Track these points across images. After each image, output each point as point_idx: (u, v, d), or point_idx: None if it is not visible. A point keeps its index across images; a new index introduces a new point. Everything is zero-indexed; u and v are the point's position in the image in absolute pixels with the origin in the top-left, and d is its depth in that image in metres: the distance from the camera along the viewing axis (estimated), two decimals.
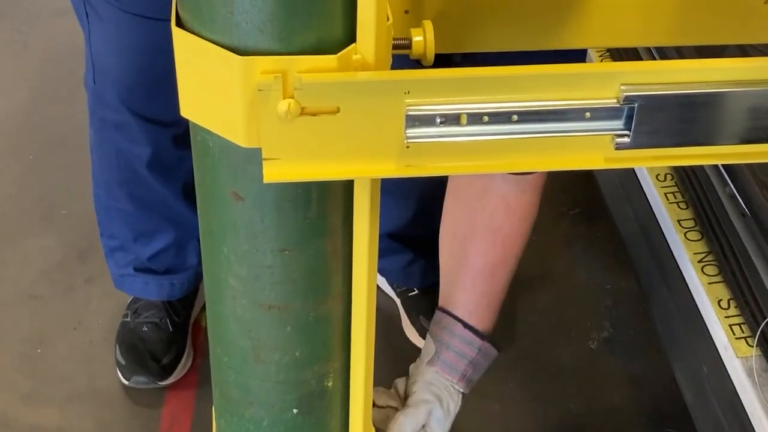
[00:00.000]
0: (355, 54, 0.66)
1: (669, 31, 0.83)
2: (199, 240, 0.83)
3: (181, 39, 0.67)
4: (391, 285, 2.03)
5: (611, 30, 0.84)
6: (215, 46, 0.65)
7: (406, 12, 0.82)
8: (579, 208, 2.28)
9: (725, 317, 1.37)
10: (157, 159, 1.66)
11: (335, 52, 0.66)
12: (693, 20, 0.84)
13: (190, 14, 0.67)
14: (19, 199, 2.29)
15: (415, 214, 1.84)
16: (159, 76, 1.41)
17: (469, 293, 1.20)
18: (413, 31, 0.74)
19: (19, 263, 2.13)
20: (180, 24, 0.68)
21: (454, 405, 1.17)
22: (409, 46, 0.74)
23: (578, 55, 1.00)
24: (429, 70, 0.70)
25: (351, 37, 0.67)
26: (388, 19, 0.67)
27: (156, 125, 1.59)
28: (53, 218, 2.23)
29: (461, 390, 1.18)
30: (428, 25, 0.73)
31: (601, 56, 1.70)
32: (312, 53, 0.66)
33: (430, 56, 0.73)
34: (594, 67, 0.68)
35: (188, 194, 1.72)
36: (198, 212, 0.81)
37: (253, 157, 0.70)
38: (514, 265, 1.25)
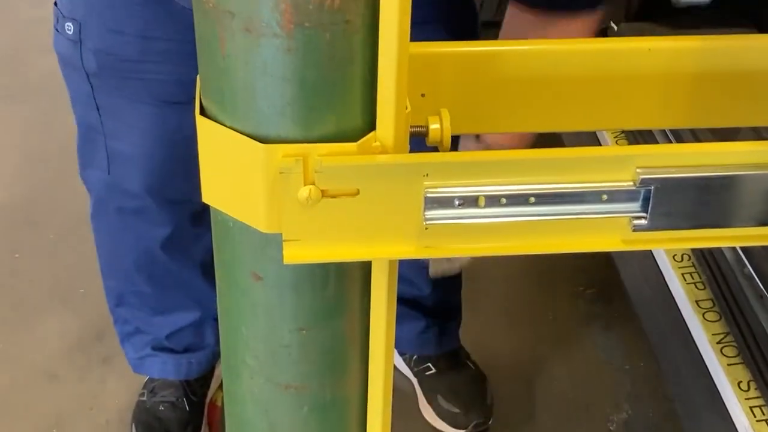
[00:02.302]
0: (375, 141, 0.67)
1: (684, 114, 0.84)
2: (216, 319, 0.84)
3: (204, 127, 0.69)
4: (408, 360, 2.02)
5: (626, 112, 0.85)
6: (238, 134, 0.67)
7: (423, 95, 0.83)
8: (596, 288, 2.28)
9: (745, 399, 1.35)
10: (176, 238, 1.66)
11: (355, 139, 0.68)
12: (707, 102, 0.85)
13: (213, 102, 0.69)
14: (38, 278, 2.30)
15: (427, 279, 1.84)
16: (182, 158, 1.41)
17: None
18: (430, 119, 0.75)
19: (37, 342, 2.13)
20: (203, 112, 0.70)
21: None
22: (426, 134, 0.75)
23: None
24: (447, 153, 0.71)
25: (370, 125, 0.68)
26: (406, 108, 0.68)
27: (176, 205, 1.60)
28: (71, 297, 2.24)
29: None
30: (445, 113, 0.75)
31: (616, 137, 1.72)
32: (332, 140, 0.67)
33: (447, 143, 0.74)
34: (610, 150, 0.69)
35: (206, 272, 1.72)
36: (217, 291, 0.81)
37: (273, 238, 0.71)
38: None
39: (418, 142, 0.75)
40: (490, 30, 2.78)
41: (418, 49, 0.81)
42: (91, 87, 1.36)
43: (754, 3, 1.62)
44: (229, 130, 0.68)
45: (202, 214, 1.55)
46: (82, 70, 1.35)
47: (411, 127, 0.75)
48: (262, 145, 0.66)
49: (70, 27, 1.31)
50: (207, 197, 0.72)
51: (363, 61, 0.67)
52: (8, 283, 2.29)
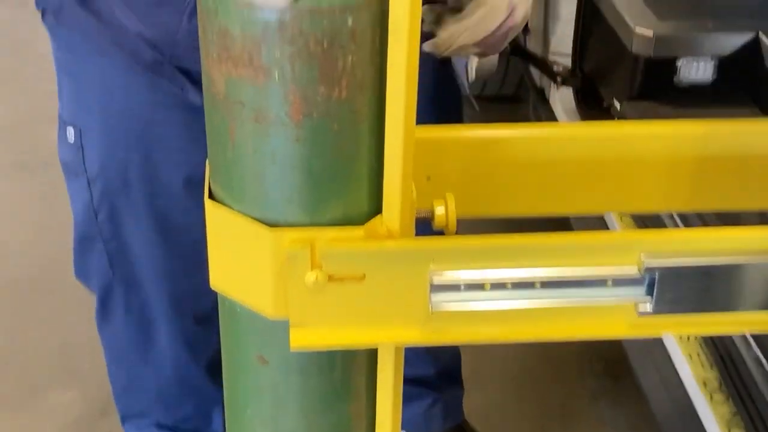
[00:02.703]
0: (381, 226, 0.68)
1: (687, 198, 0.85)
2: (223, 405, 0.84)
3: (213, 212, 0.70)
4: None
5: (629, 196, 0.85)
6: (246, 218, 0.68)
7: (428, 178, 0.84)
8: (604, 363, 2.27)
9: None
10: (185, 340, 1.63)
11: (361, 223, 0.68)
12: (711, 186, 0.85)
13: (221, 188, 0.70)
14: (44, 351, 2.30)
15: (427, 352, 1.82)
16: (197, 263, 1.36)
17: None
18: (435, 202, 0.76)
19: (42, 417, 2.12)
20: (212, 196, 0.70)
21: None
22: (431, 218, 0.76)
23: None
24: (452, 237, 0.71)
25: (377, 209, 0.69)
26: (412, 192, 0.69)
27: (187, 309, 1.56)
28: (76, 371, 2.23)
29: None
30: (450, 197, 0.76)
31: (622, 217, 1.73)
32: (339, 224, 0.68)
33: (452, 228, 0.75)
34: (615, 236, 0.70)
35: (213, 372, 1.69)
36: (223, 374, 0.81)
37: (279, 323, 0.71)
38: None
39: (425, 223, 0.76)
40: (513, 103, 2.82)
41: (423, 133, 0.82)
42: (91, 195, 1.33)
43: (756, 82, 1.64)
44: (238, 214, 0.69)
45: (210, 316, 1.51)
46: (84, 176, 1.33)
47: (417, 211, 0.75)
48: (270, 230, 0.67)
49: (71, 132, 1.29)
50: (215, 283, 0.72)
51: (369, 149, 0.68)
52: (14, 356, 2.28)
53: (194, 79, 1.13)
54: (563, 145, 0.83)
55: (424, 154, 0.82)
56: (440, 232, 0.78)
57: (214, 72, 0.65)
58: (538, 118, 2.11)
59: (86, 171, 1.29)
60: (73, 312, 2.40)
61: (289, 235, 0.67)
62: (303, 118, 0.65)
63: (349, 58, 0.63)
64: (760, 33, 1.62)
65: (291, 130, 0.65)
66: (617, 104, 1.73)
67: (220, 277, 0.72)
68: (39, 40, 3.56)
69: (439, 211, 0.76)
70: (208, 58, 0.65)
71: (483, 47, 0.82)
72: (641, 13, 1.69)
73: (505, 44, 0.83)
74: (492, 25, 0.77)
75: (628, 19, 1.68)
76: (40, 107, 3.19)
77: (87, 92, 1.23)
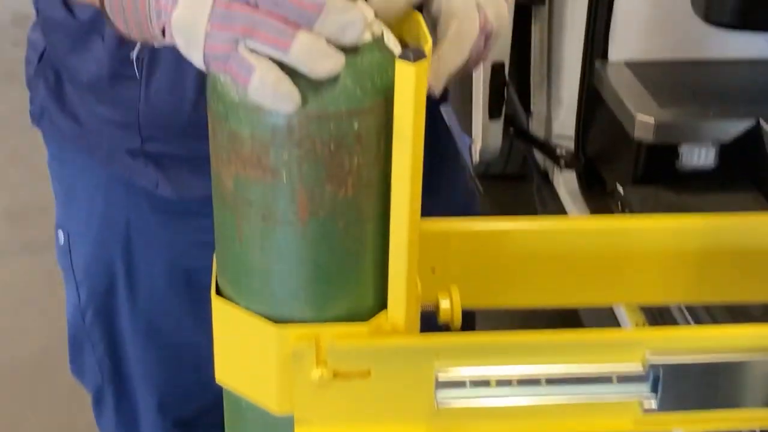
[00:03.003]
0: (386, 322, 0.68)
1: (692, 291, 0.86)
2: None
3: (219, 308, 0.70)
4: None
5: (633, 289, 0.86)
6: (252, 315, 0.68)
7: (433, 270, 0.85)
8: None
9: None
10: None
11: (367, 318, 0.69)
12: (714, 279, 0.86)
13: (228, 283, 0.71)
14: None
15: None
16: (183, 367, 1.35)
17: None
18: (440, 294, 0.77)
19: None
20: (219, 292, 0.71)
21: None
22: (437, 312, 0.76)
23: None
24: (457, 334, 0.72)
25: (382, 304, 0.69)
26: (417, 287, 0.70)
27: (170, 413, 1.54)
28: None
29: None
30: (454, 290, 0.76)
31: (630, 309, 1.72)
32: (344, 319, 0.69)
33: (458, 322, 0.75)
34: (619, 334, 0.71)
35: None
36: None
37: (285, 419, 0.71)
38: None
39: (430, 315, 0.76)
40: (517, 182, 2.83)
41: (428, 225, 0.83)
42: (79, 298, 1.33)
43: (758, 168, 1.66)
44: (244, 310, 0.69)
45: (191, 422, 1.48)
46: (73, 279, 1.33)
47: (422, 305, 0.76)
48: (275, 326, 0.68)
49: (61, 235, 1.31)
50: (220, 377, 0.73)
51: (374, 246, 0.68)
52: None
53: (165, 167, 1.14)
54: (568, 238, 0.84)
55: (429, 246, 0.82)
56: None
57: (223, 172, 0.66)
58: (542, 200, 2.13)
59: (74, 274, 1.29)
60: (74, 397, 2.39)
61: (295, 332, 0.68)
62: (309, 217, 0.66)
63: (355, 159, 0.64)
64: (761, 120, 1.64)
65: (298, 228, 0.66)
66: (620, 189, 1.75)
67: (226, 372, 0.72)
68: None
69: (444, 305, 0.77)
70: (217, 159, 0.67)
71: (468, 63, 0.80)
72: (642, 99, 1.72)
73: (489, 53, 0.79)
74: (471, 36, 0.75)
75: (629, 105, 1.70)
76: (48, 191, 3.22)
77: (72, 196, 1.25)
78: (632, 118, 1.67)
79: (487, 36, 0.74)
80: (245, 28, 0.62)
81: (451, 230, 0.85)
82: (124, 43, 0.80)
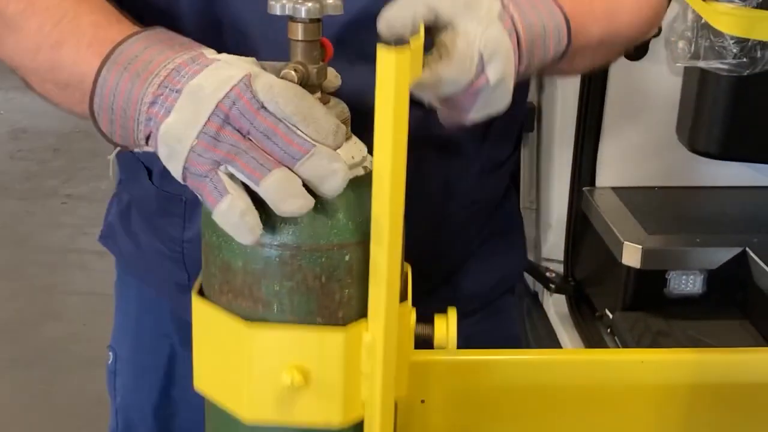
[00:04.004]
0: None
1: (680, 425, 0.85)
2: None
3: (199, 308, 0.68)
4: None
5: (621, 422, 0.85)
6: (228, 315, 0.66)
7: (423, 401, 0.85)
8: None
9: None
10: None
11: None
12: (703, 414, 0.86)
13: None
14: None
15: None
16: None
17: None
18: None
19: None
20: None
21: None
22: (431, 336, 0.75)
23: None
24: None
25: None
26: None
27: None
28: None
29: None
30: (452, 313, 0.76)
31: None
32: None
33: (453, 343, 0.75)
34: None
35: None
36: None
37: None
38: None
39: None
40: None
41: (417, 357, 0.83)
42: (117, 424, 1.31)
43: (745, 295, 1.67)
44: (221, 310, 0.67)
45: None
46: (114, 402, 1.30)
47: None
48: (248, 326, 0.65)
49: (111, 355, 1.29)
50: (197, 384, 0.71)
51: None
52: None
53: None
54: (555, 370, 0.84)
55: (418, 377, 0.83)
56: None
57: (215, 302, 0.67)
58: (532, 323, 2.13)
59: (116, 398, 1.28)
60: None
61: (266, 334, 0.65)
62: None
63: (346, 291, 0.65)
64: (747, 248, 1.66)
65: None
66: (609, 314, 1.76)
67: (203, 378, 0.71)
68: (41, 233, 3.65)
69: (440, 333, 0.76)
70: (209, 289, 0.68)
71: (447, 106, 0.78)
72: (630, 225, 1.74)
73: (479, 112, 0.74)
74: (457, 83, 0.71)
75: (617, 231, 1.73)
76: (39, 303, 3.22)
77: (126, 319, 1.23)
78: (620, 245, 1.69)
79: (477, 92, 0.72)
80: (229, 153, 0.64)
81: (439, 361, 0.85)
82: (168, 180, 0.81)
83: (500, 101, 0.75)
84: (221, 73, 0.66)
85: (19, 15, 0.85)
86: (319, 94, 0.68)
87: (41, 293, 3.28)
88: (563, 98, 1.98)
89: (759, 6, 1.59)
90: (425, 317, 0.74)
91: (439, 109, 0.77)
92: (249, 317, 0.66)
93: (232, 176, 0.64)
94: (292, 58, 0.67)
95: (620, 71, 1.85)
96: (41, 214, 3.83)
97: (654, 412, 0.85)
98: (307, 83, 0.67)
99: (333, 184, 0.63)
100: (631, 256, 1.67)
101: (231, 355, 0.67)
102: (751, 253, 1.65)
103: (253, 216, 0.63)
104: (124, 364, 1.23)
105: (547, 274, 2.03)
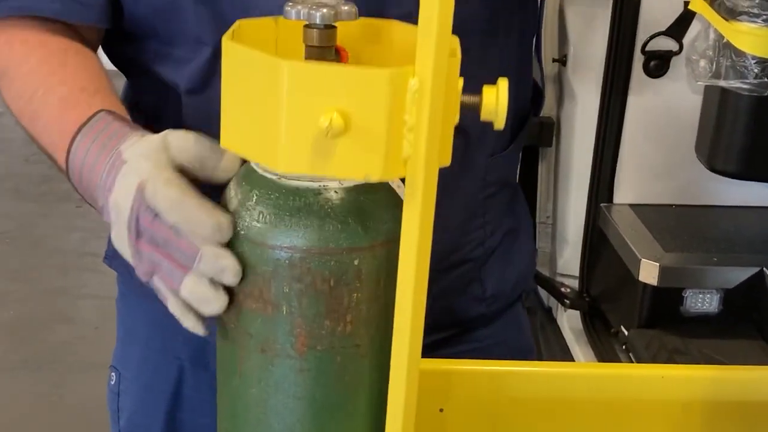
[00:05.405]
0: None
1: None
2: None
3: (230, 52, 0.64)
4: None
5: None
6: (260, 52, 0.61)
7: (441, 410, 0.84)
8: None
9: None
10: None
11: None
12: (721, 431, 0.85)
13: (226, 418, 0.70)
14: None
15: None
16: None
17: None
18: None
19: None
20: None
21: None
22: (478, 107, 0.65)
23: None
24: None
25: None
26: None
27: None
28: None
29: None
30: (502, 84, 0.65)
31: None
32: None
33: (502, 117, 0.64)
34: None
35: None
36: None
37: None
38: None
39: None
40: None
41: (435, 365, 0.83)
42: None
43: (761, 315, 1.66)
44: (254, 51, 0.62)
45: None
46: (117, 424, 1.29)
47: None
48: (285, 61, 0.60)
49: (113, 376, 1.28)
50: (225, 142, 0.66)
51: (371, 382, 0.68)
52: None
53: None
54: (579, 384, 0.83)
55: (436, 386, 0.82)
56: None
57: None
58: (546, 339, 2.12)
59: (118, 420, 1.26)
60: None
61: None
62: (307, 350, 0.65)
63: (355, 296, 0.64)
64: (765, 268, 1.65)
65: (295, 361, 0.66)
66: (624, 331, 1.74)
67: (231, 136, 0.65)
68: (54, 236, 3.66)
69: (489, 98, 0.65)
70: None
71: None
72: (647, 243, 1.73)
73: None
74: None
75: (634, 248, 1.71)
76: (50, 306, 3.22)
77: (131, 338, 1.22)
78: (637, 262, 1.67)
79: None
80: (150, 266, 0.69)
81: (458, 371, 0.85)
82: None
83: None
84: (126, 182, 0.70)
85: (6, 72, 0.93)
86: None
87: (53, 296, 3.29)
88: (582, 113, 1.97)
89: None
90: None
91: None
92: (258, 319, 0.65)
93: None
94: None
95: (640, 88, 1.84)
96: (55, 217, 3.84)
97: (672, 428, 0.84)
98: None
99: (229, 278, 0.65)
100: (649, 273, 1.65)
101: (265, 99, 0.61)
102: None
103: (193, 315, 0.68)
104: (129, 384, 1.21)
105: (562, 289, 2.02)
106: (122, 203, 0.70)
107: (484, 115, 0.64)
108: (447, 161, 0.63)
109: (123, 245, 0.71)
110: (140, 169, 0.70)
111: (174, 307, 0.69)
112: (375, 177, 0.60)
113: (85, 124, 0.79)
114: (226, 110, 0.64)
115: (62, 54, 0.92)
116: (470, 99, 0.63)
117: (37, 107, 0.88)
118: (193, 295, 0.66)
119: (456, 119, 0.63)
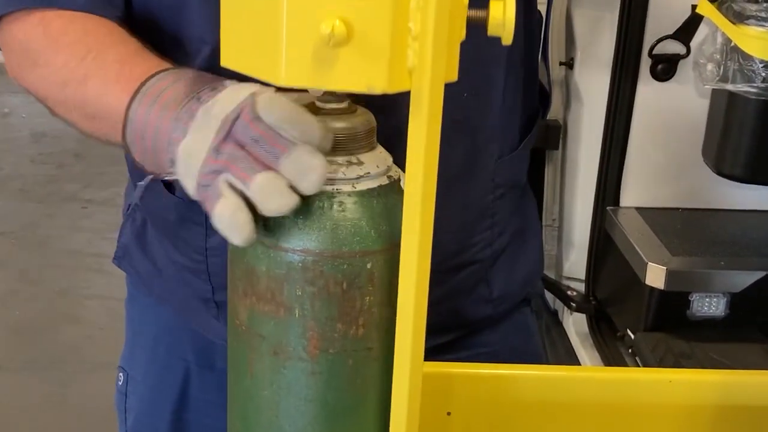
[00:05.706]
0: None
1: None
2: None
3: None
4: None
5: None
6: None
7: (449, 414, 0.84)
8: None
9: None
10: None
11: None
12: None
13: (237, 419, 0.70)
14: None
15: None
16: None
17: None
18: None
19: None
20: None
21: None
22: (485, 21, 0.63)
23: None
24: None
25: None
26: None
27: None
28: None
29: None
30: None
31: None
32: None
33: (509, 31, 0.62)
34: None
35: None
36: None
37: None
38: None
39: None
40: None
41: (443, 368, 0.83)
42: None
43: (767, 318, 1.66)
44: None
45: None
46: (124, 425, 1.29)
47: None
48: None
49: (121, 376, 1.28)
50: (225, 61, 0.66)
51: (382, 385, 0.68)
52: None
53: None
54: (586, 387, 0.84)
55: (443, 389, 0.82)
56: None
57: (238, 305, 0.67)
58: (552, 342, 2.11)
59: (126, 420, 1.26)
60: None
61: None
62: (319, 353, 0.66)
63: (367, 299, 0.65)
64: None
65: (307, 364, 0.66)
66: (631, 334, 1.74)
67: (232, 54, 0.64)
68: (60, 236, 3.66)
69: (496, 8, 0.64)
70: (233, 292, 0.67)
71: None
72: (654, 246, 1.73)
73: None
74: None
75: (641, 251, 1.71)
76: (56, 306, 3.22)
77: (138, 339, 1.22)
78: (644, 265, 1.67)
79: None
80: (227, 162, 0.65)
81: (465, 374, 0.85)
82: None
83: None
84: (234, 92, 0.68)
85: (44, 51, 0.89)
86: (346, 103, 0.68)
87: (59, 296, 3.29)
88: (589, 116, 1.97)
89: None
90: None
91: None
92: (270, 322, 0.65)
93: (231, 184, 0.65)
94: None
95: (647, 91, 1.84)
96: (61, 217, 3.84)
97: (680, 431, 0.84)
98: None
99: (311, 180, 0.63)
100: (655, 276, 1.65)
101: (266, 10, 0.59)
102: None
103: (244, 215, 0.63)
104: (137, 385, 1.21)
105: (569, 292, 2.02)
106: (219, 106, 0.67)
107: (491, 30, 0.62)
108: (454, 76, 0.60)
109: (199, 146, 0.67)
110: (256, 85, 0.67)
111: (225, 207, 0.64)
112: (378, 88, 0.58)
113: (158, 72, 0.76)
114: (226, 26, 0.63)
115: (105, 27, 0.90)
116: (477, 14, 0.62)
117: (88, 70, 0.85)
118: (264, 187, 0.63)
119: (463, 34, 0.61)
